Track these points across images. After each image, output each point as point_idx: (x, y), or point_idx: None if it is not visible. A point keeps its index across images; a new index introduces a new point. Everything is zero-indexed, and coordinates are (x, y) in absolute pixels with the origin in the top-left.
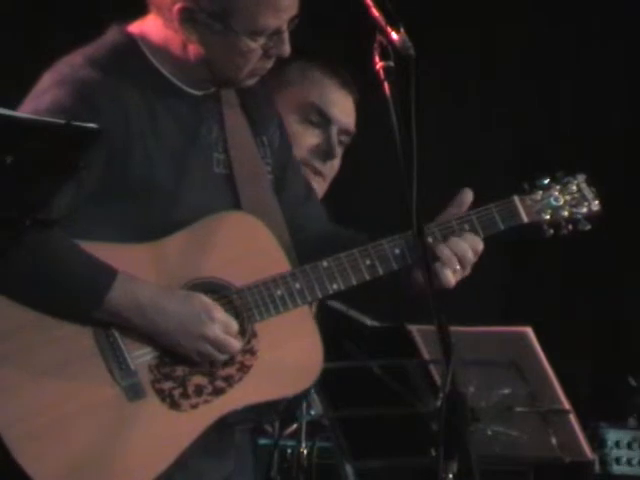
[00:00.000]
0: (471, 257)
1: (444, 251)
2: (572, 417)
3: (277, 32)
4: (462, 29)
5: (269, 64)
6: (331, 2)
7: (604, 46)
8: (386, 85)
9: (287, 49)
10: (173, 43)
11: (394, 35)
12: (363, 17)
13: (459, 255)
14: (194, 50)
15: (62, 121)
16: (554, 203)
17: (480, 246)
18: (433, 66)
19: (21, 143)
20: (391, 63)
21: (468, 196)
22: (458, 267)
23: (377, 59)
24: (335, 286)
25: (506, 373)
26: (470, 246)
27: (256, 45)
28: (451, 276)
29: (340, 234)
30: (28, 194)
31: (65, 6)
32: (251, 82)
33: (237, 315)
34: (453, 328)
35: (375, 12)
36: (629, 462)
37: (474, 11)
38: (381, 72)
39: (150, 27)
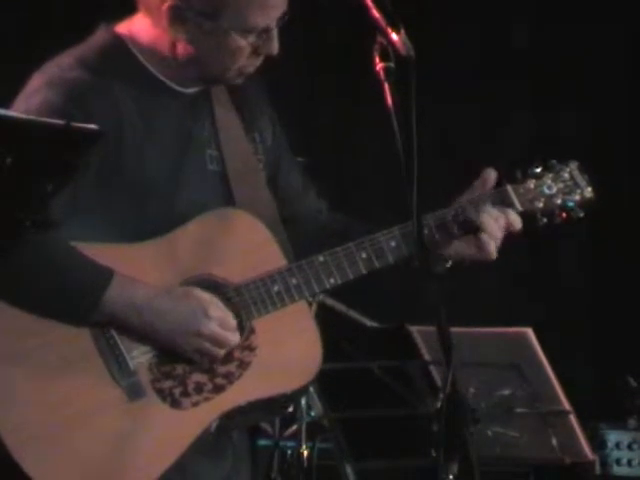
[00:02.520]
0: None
1: (490, 222)
2: (572, 418)
3: (266, 30)
4: (462, 28)
5: (257, 62)
6: (331, 2)
7: (605, 44)
8: (386, 86)
9: (276, 47)
10: (162, 42)
11: (394, 36)
12: (363, 18)
13: (499, 222)
14: (182, 49)
15: (62, 122)
16: (547, 191)
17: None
18: (433, 66)
19: (21, 144)
20: (391, 64)
21: (491, 176)
22: (500, 234)
23: (377, 60)
24: (332, 280)
25: (506, 374)
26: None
27: (245, 43)
28: (494, 249)
29: (337, 226)
30: (28, 195)
31: (65, 6)
32: (239, 80)
33: (235, 312)
34: (453, 329)
35: (375, 13)
36: (629, 463)
37: (474, 10)
38: (381, 73)
39: (139, 27)
